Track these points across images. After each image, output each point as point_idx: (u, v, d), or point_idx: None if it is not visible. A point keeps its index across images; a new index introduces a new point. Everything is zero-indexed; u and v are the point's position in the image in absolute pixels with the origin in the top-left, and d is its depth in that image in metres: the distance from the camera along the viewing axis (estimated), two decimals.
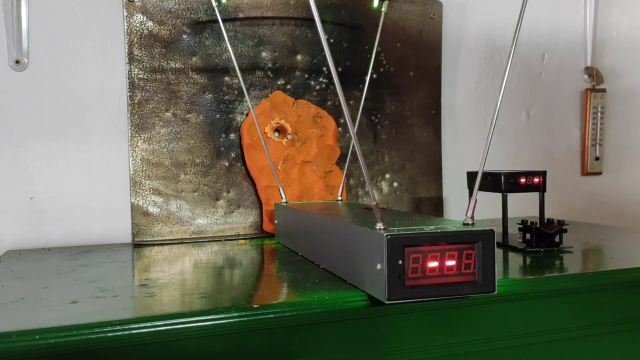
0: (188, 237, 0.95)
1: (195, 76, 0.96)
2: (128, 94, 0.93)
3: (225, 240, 0.95)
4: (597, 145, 1.29)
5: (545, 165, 1.24)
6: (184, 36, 0.95)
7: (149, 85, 0.94)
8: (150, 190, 0.93)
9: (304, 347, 0.53)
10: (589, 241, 0.85)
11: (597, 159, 1.29)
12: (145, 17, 0.93)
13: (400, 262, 0.51)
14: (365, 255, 0.55)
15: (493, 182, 0.81)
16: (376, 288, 0.52)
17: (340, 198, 0.95)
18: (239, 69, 0.94)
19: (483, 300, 0.58)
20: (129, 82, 0.93)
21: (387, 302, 0.51)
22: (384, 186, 1.08)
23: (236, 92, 0.98)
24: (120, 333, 0.46)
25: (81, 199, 0.94)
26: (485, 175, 0.82)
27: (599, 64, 1.30)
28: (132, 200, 0.93)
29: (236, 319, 0.50)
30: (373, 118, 1.07)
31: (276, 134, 0.99)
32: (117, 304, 0.53)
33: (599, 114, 1.28)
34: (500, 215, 0.83)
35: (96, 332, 0.46)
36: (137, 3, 0.93)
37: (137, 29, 0.93)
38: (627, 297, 0.65)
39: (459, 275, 0.53)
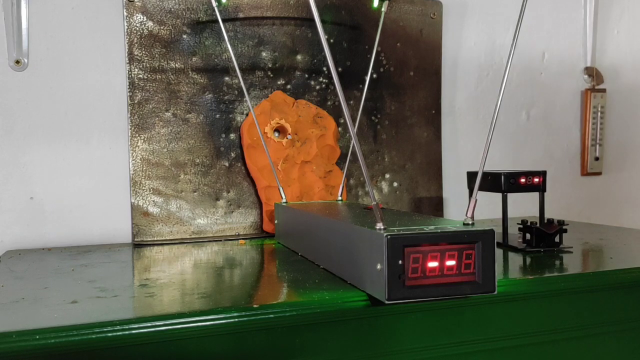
0: (188, 237, 0.95)
1: (195, 76, 0.96)
2: (128, 94, 0.93)
3: (225, 240, 0.95)
4: (597, 145, 1.29)
5: (545, 165, 1.24)
6: (184, 36, 0.95)
7: (149, 85, 0.94)
8: (150, 190, 0.93)
9: (304, 347, 0.53)
10: (589, 241, 0.85)
11: (597, 159, 1.29)
12: (145, 17, 0.93)
13: (400, 262, 0.51)
14: (365, 255, 0.55)
15: (493, 182, 0.81)
16: (376, 288, 0.52)
17: (340, 198, 0.95)
18: (239, 69, 0.94)
19: (483, 300, 0.58)
20: (129, 82, 0.93)
21: (387, 302, 0.51)
22: (384, 186, 1.08)
23: (236, 92, 0.98)
24: (120, 333, 0.46)
25: (81, 199, 0.94)
26: (485, 175, 0.82)
27: (599, 64, 1.30)
28: (132, 200, 0.93)
29: (236, 319, 0.50)
30: (373, 118, 1.07)
31: (276, 134, 0.99)
32: (117, 304, 0.53)
33: (599, 114, 1.28)
34: (500, 215, 0.83)
35: (96, 332, 0.46)
36: (137, 3, 0.93)
37: (137, 29, 0.93)
38: (627, 297, 0.65)
39: (459, 275, 0.53)
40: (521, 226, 0.79)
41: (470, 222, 0.56)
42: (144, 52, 0.93)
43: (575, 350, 0.64)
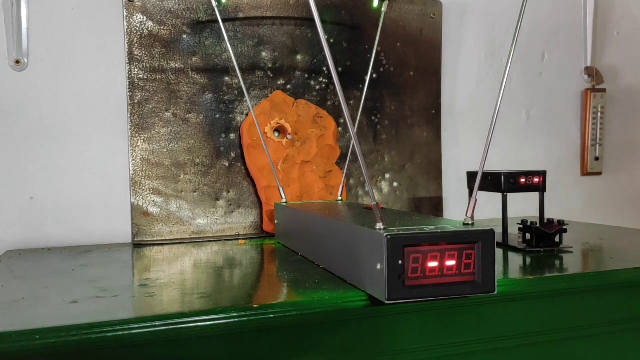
0: (188, 237, 0.95)
1: (195, 76, 0.96)
2: (128, 94, 0.93)
3: (225, 240, 0.95)
4: (597, 145, 1.29)
5: (545, 165, 1.24)
6: (184, 36, 0.95)
7: (149, 85, 0.94)
8: (150, 190, 0.93)
9: (304, 347, 0.53)
10: (589, 241, 0.85)
11: (597, 159, 1.29)
12: (145, 17, 0.93)
13: (400, 262, 0.51)
14: (365, 255, 0.55)
15: (493, 182, 0.81)
16: (376, 288, 0.52)
17: (340, 198, 0.95)
18: (239, 69, 0.94)
19: (483, 300, 0.58)
20: (129, 82, 0.93)
21: (387, 302, 0.51)
22: (384, 186, 1.08)
23: (236, 92, 0.98)
24: (120, 333, 0.46)
25: (81, 199, 0.94)
26: (485, 175, 0.82)
27: (599, 64, 1.30)
28: (132, 200, 0.93)
29: (236, 319, 0.50)
30: (373, 118, 1.07)
31: (276, 134, 0.99)
32: (117, 304, 0.53)
33: (599, 114, 1.28)
34: (500, 215, 0.83)
35: (96, 332, 0.46)
36: (137, 3, 0.93)
37: (137, 29, 0.93)
38: (627, 297, 0.65)
39: (459, 275, 0.53)
40: (521, 226, 0.79)
41: (470, 222, 0.56)
42: (144, 52, 0.93)
43: (575, 350, 0.64)
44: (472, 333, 0.59)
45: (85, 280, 0.64)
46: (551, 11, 1.25)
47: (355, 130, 0.96)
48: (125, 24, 0.92)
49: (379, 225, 0.53)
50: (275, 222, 0.92)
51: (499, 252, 0.76)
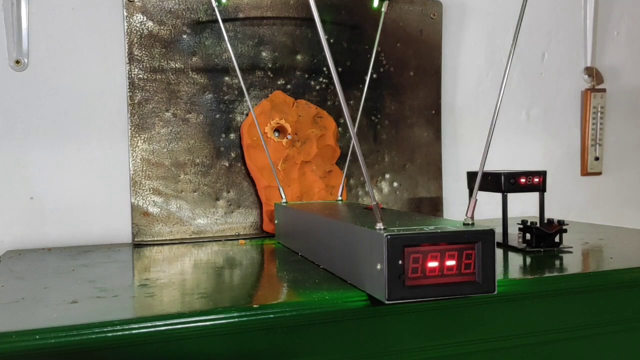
0: (188, 237, 0.95)
1: (195, 76, 0.96)
2: (128, 94, 0.93)
3: (225, 240, 0.95)
4: (597, 145, 1.29)
5: (545, 165, 1.24)
6: (184, 36, 0.95)
7: (149, 85, 0.94)
8: (150, 190, 0.93)
9: (304, 347, 0.53)
10: (589, 241, 0.85)
11: (597, 159, 1.29)
12: (145, 17, 0.93)
13: (400, 262, 0.51)
14: (365, 255, 0.55)
15: (493, 182, 0.81)
16: (376, 288, 0.52)
17: (340, 198, 0.95)
18: (239, 69, 0.94)
19: (483, 300, 0.58)
20: (129, 82, 0.93)
21: (387, 302, 0.51)
22: (384, 186, 1.08)
23: (236, 92, 0.98)
24: (120, 333, 0.46)
25: (81, 199, 0.94)
26: (485, 175, 0.82)
27: (599, 64, 1.30)
28: (132, 200, 0.93)
29: (236, 319, 0.50)
30: (373, 118, 1.07)
31: (276, 134, 0.99)
32: (117, 304, 0.53)
33: (599, 114, 1.28)
34: (500, 215, 0.83)
35: (96, 332, 0.46)
36: (137, 3, 0.93)
37: (137, 29, 0.93)
38: (627, 297, 0.65)
39: (459, 275, 0.53)
40: (521, 226, 0.79)
41: (470, 222, 0.56)
42: (144, 52, 0.93)
43: (575, 350, 0.64)
44: (472, 333, 0.59)
45: (85, 280, 0.64)
46: (551, 11, 1.25)
47: (355, 130, 0.96)
48: (125, 24, 0.92)
49: (379, 225, 0.53)
50: (275, 222, 0.92)
51: (499, 252, 0.76)
